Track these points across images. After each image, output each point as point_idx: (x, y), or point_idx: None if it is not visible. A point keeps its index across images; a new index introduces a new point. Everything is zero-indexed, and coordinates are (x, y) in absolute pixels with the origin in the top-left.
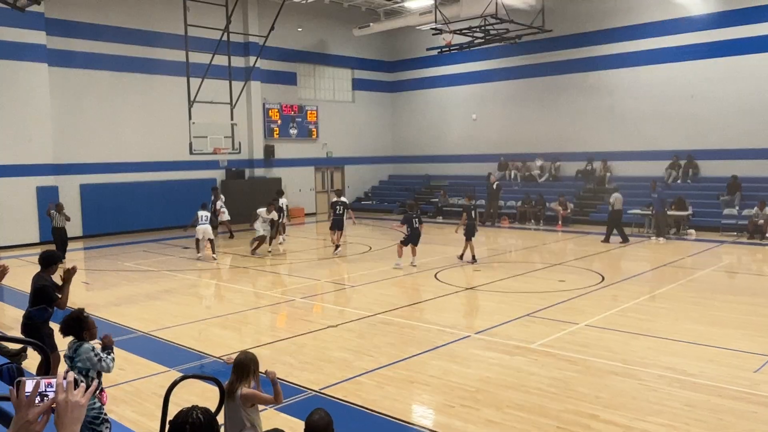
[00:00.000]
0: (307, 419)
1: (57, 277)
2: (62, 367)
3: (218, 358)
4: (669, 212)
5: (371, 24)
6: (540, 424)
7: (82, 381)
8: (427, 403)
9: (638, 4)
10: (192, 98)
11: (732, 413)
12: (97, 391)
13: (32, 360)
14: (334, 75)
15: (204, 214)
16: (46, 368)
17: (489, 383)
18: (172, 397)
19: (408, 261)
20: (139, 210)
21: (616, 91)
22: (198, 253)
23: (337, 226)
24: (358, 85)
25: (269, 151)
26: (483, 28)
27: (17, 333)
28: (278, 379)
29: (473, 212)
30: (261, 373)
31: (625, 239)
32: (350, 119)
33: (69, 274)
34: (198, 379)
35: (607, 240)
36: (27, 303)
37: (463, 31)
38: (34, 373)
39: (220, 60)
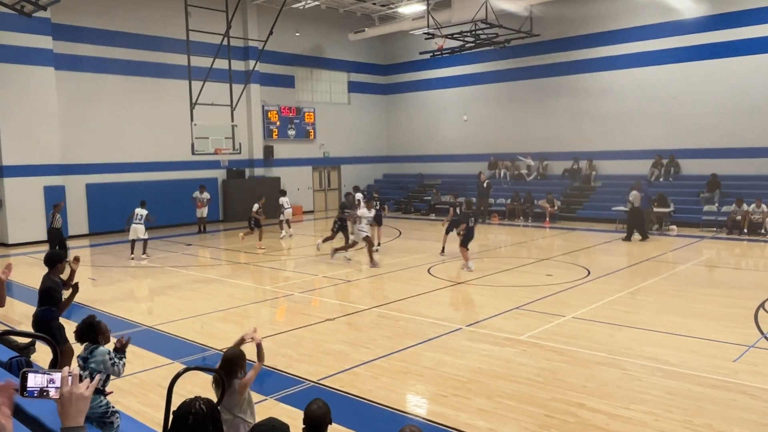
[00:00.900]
0: (306, 409)
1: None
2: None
3: (220, 350)
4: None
5: (366, 29)
6: (529, 413)
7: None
8: (420, 392)
9: (622, 10)
10: (194, 100)
11: (712, 401)
12: (105, 388)
13: (42, 354)
14: (331, 78)
15: (141, 213)
16: (55, 361)
17: (480, 373)
18: (175, 389)
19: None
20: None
21: (601, 93)
22: (131, 254)
23: (377, 221)
24: (353, 87)
25: (268, 151)
26: (473, 32)
27: (26, 327)
28: (277, 370)
29: (458, 209)
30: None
31: (644, 237)
32: (346, 120)
33: (73, 272)
34: (200, 371)
35: (628, 238)
36: (35, 298)
37: (455, 36)
38: (47, 368)
39: (221, 64)
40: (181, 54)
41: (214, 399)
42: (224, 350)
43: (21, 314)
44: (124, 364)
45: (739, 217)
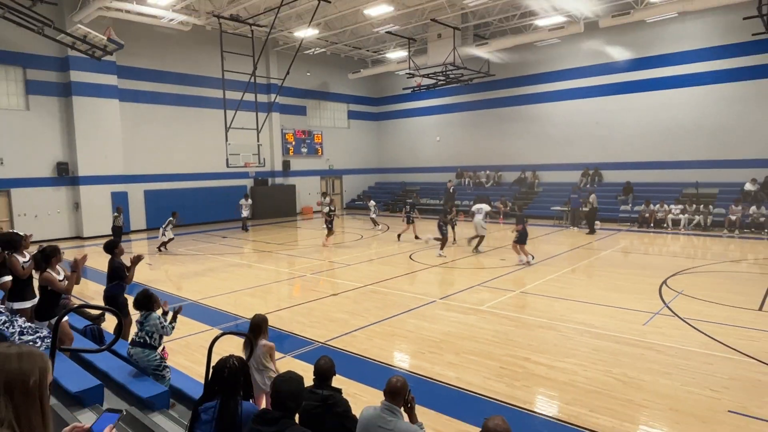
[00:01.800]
0: (315, 364)
1: (127, 259)
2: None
3: (248, 319)
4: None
5: (362, 70)
6: (488, 365)
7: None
8: (404, 350)
9: (558, 56)
10: (228, 125)
11: (626, 355)
12: (160, 348)
13: (110, 323)
14: (335, 108)
15: (168, 220)
16: (119, 329)
17: (450, 335)
18: (214, 349)
19: (516, 258)
20: (188, 209)
21: (543, 119)
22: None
23: (408, 220)
24: (352, 115)
25: (286, 164)
26: (444, 73)
27: (98, 302)
28: (293, 334)
29: (408, 207)
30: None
31: (592, 231)
32: (347, 141)
33: (136, 260)
34: (234, 335)
35: (592, 231)
36: (104, 280)
37: (430, 75)
38: (111, 332)
39: (249, 97)
40: (218, 89)
41: (244, 357)
42: (251, 318)
43: (93, 291)
44: (173, 327)
45: (647, 215)
